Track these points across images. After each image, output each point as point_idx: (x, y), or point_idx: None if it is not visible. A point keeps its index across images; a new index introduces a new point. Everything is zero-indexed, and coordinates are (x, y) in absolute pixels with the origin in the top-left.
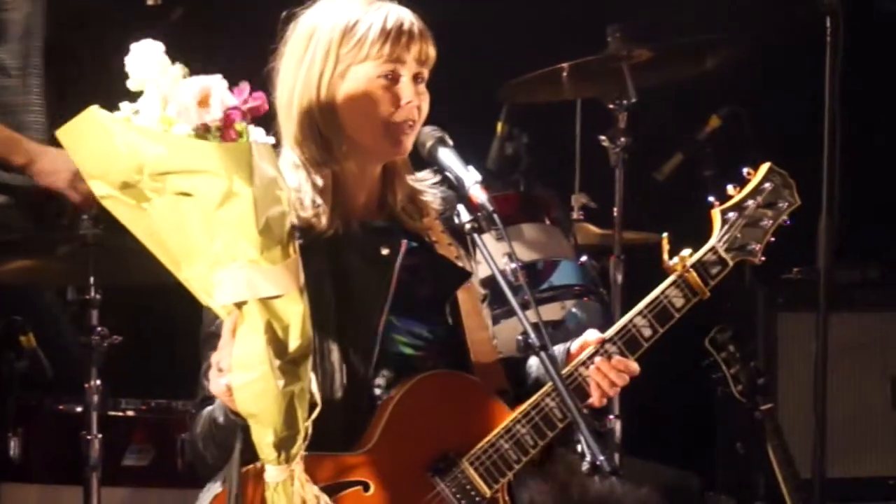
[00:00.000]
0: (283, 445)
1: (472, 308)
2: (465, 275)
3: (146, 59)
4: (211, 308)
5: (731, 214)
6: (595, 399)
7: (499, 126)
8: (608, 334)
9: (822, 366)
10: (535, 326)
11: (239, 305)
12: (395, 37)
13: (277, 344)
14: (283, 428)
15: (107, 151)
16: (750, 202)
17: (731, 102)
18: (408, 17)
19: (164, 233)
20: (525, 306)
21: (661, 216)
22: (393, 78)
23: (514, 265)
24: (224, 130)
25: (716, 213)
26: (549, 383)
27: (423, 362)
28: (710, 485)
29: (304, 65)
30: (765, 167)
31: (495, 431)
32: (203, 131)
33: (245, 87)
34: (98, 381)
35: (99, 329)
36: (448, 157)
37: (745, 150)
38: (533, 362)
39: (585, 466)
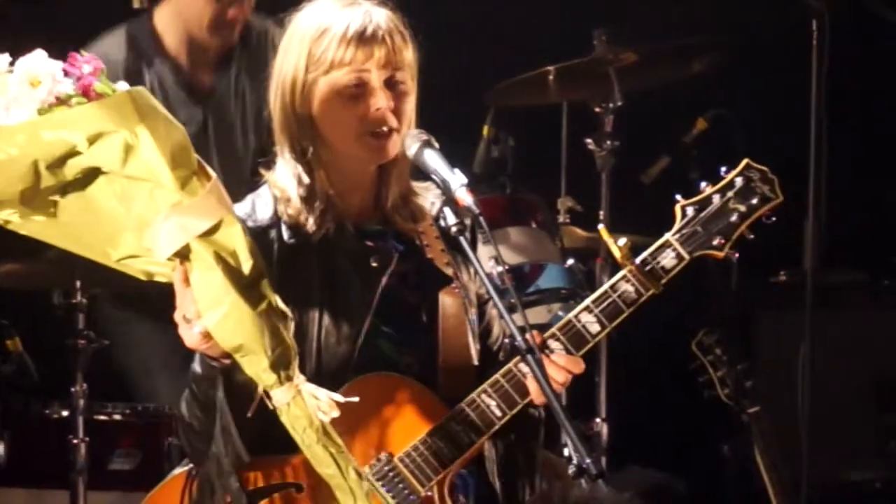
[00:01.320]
0: (280, 364)
1: (454, 313)
2: (448, 280)
3: None
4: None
5: (692, 209)
6: (534, 395)
7: (485, 129)
8: (552, 330)
9: (809, 368)
10: (522, 330)
11: (182, 255)
12: (357, 44)
13: (232, 272)
14: (272, 346)
15: None
16: (716, 197)
17: (717, 105)
18: (374, 20)
19: (81, 229)
20: (511, 309)
21: (648, 219)
22: (360, 86)
23: (500, 268)
24: (88, 98)
25: (678, 209)
26: (490, 379)
27: (409, 366)
28: (696, 488)
29: (281, 76)
30: (742, 163)
31: (428, 429)
32: (61, 103)
33: (74, 56)
34: (84, 385)
35: (85, 333)
36: (434, 159)
37: (731, 152)
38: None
39: (572, 469)
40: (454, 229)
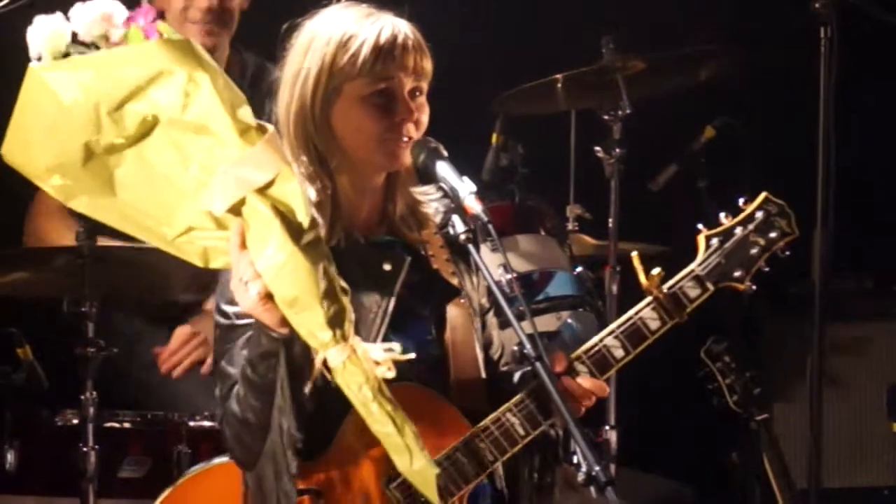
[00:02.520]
0: (335, 321)
1: (461, 324)
2: (455, 291)
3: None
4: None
5: (715, 241)
6: (559, 418)
7: (494, 137)
8: (577, 353)
9: (818, 376)
10: (531, 337)
11: (237, 210)
12: (388, 53)
13: (290, 226)
14: (328, 301)
15: (57, 117)
16: (738, 230)
17: (725, 113)
18: (402, 31)
19: (138, 204)
20: (520, 317)
21: (656, 227)
22: (387, 94)
23: (509, 276)
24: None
25: (701, 239)
26: (515, 398)
27: (419, 376)
28: (705, 496)
29: (299, 79)
30: (761, 197)
31: (453, 444)
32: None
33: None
34: (94, 393)
35: (95, 341)
36: (443, 168)
37: (739, 161)
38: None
39: (581, 477)
40: (463, 237)
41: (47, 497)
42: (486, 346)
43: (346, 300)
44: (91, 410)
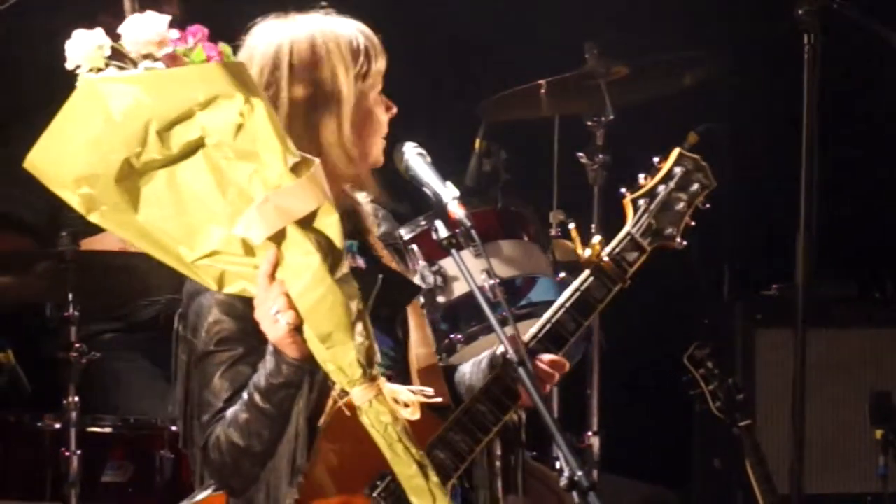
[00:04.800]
0: (367, 359)
1: (416, 322)
2: (417, 290)
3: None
4: (223, 299)
5: (643, 201)
6: (523, 399)
7: (477, 142)
8: (530, 333)
9: (800, 382)
10: (513, 342)
11: (275, 240)
12: (383, 52)
13: (329, 261)
14: (361, 339)
15: (103, 129)
16: (661, 188)
17: (708, 119)
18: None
19: (161, 220)
20: (503, 323)
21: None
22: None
23: (492, 282)
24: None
25: (627, 202)
26: (480, 387)
27: (388, 379)
28: (689, 501)
29: (296, 89)
30: (674, 153)
31: (429, 442)
32: (174, 61)
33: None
34: (76, 398)
35: (77, 346)
36: (426, 172)
37: (722, 166)
38: (465, 370)
39: (563, 482)
40: (446, 242)
41: (29, 502)
42: None
43: (374, 340)
44: (73, 415)
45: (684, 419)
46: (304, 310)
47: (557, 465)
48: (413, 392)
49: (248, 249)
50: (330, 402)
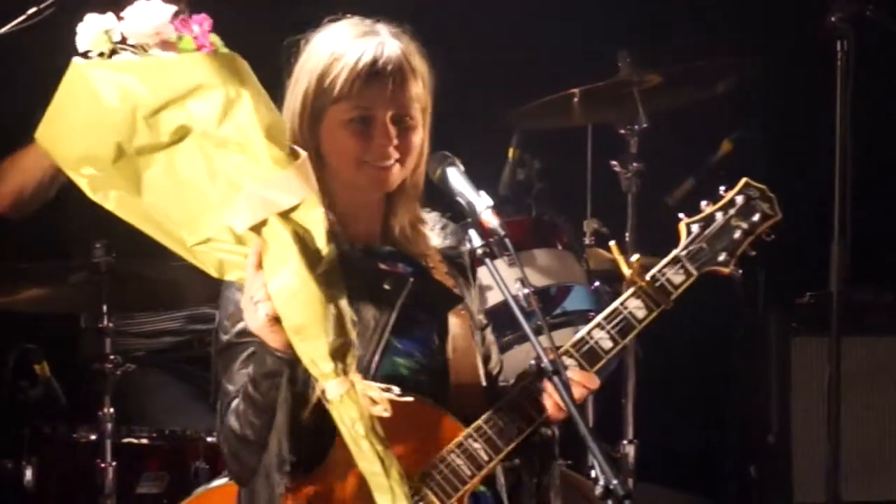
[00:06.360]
0: (338, 354)
1: (462, 333)
2: (457, 299)
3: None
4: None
5: (696, 226)
6: (550, 411)
7: (510, 151)
8: (565, 347)
9: (836, 389)
10: (548, 351)
11: (258, 230)
12: (366, 79)
13: (308, 253)
14: (335, 333)
15: (94, 113)
16: (719, 215)
17: (742, 127)
18: (385, 55)
19: (163, 205)
20: (538, 332)
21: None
22: (366, 120)
23: (526, 290)
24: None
25: (682, 226)
26: (505, 398)
27: (422, 385)
28: None
29: (293, 97)
30: (741, 182)
31: (447, 447)
32: (169, 47)
33: (185, 19)
34: (111, 409)
35: (112, 357)
36: (459, 182)
37: (755, 174)
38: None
39: (599, 491)
40: (480, 251)
41: None
42: (484, 360)
43: (353, 335)
44: (108, 426)
45: (719, 427)
46: (279, 301)
47: (592, 473)
48: (382, 390)
49: (239, 239)
50: (314, 395)
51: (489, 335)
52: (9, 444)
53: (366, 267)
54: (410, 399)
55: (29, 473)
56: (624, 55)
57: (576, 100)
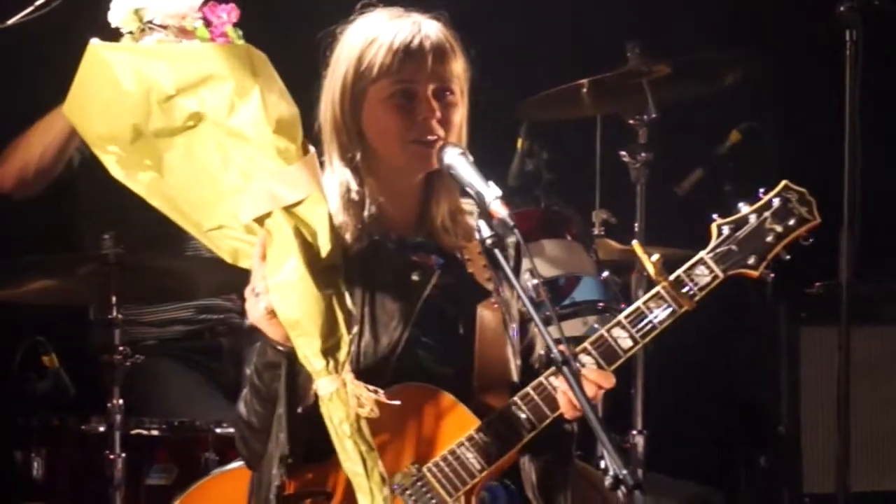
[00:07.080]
0: (330, 352)
1: (492, 327)
2: (486, 293)
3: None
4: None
5: (727, 228)
6: (564, 409)
7: (519, 142)
8: (583, 344)
9: (845, 379)
10: (557, 342)
11: (262, 222)
12: (406, 54)
13: (308, 250)
14: (327, 332)
15: (111, 93)
16: (752, 217)
17: (751, 118)
18: (423, 32)
19: (182, 189)
20: (547, 322)
21: (682, 231)
22: (408, 94)
23: (535, 281)
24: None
25: (713, 227)
26: (519, 393)
27: (445, 377)
28: (734, 500)
29: (331, 84)
30: (781, 185)
31: (457, 440)
32: (185, 34)
33: (213, 5)
34: (120, 401)
35: (121, 348)
36: (468, 172)
37: (765, 164)
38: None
39: (608, 481)
40: (489, 242)
41: None
42: (527, 353)
43: (347, 335)
44: (118, 418)
45: (729, 417)
46: (277, 295)
47: (602, 464)
48: (370, 391)
49: (248, 228)
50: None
51: (533, 328)
52: (18, 436)
53: (396, 258)
54: (397, 403)
55: (38, 465)
56: (633, 46)
57: (585, 90)
